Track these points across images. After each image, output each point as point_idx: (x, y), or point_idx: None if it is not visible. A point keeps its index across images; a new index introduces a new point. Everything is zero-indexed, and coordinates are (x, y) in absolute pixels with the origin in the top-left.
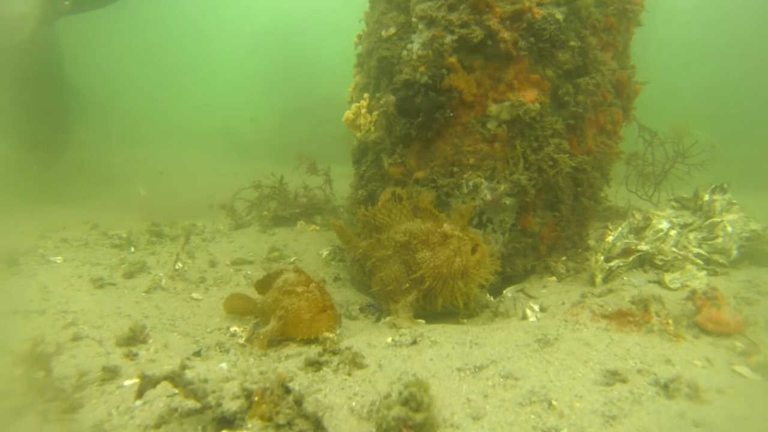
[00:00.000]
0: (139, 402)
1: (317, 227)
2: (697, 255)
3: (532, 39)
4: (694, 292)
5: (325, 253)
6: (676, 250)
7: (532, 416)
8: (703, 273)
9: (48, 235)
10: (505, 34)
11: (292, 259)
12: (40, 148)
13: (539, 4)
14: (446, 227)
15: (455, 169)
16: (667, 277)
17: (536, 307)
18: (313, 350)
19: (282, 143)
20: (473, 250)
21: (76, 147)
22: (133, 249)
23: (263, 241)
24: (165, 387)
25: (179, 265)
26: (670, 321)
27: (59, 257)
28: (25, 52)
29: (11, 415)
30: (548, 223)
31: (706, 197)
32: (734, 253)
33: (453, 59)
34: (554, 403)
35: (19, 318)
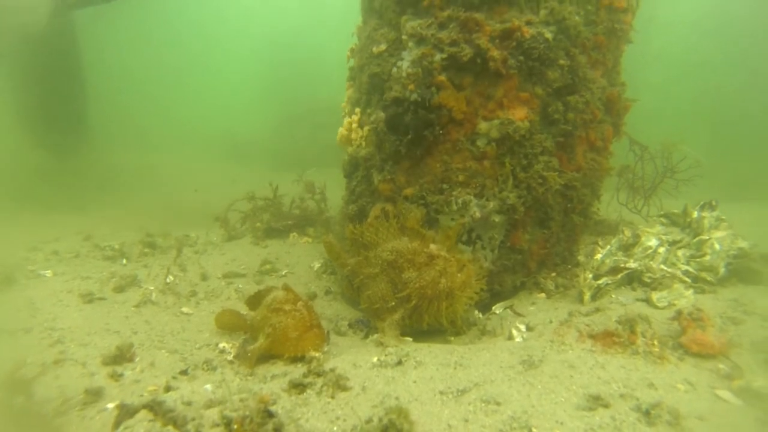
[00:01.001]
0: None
1: (310, 239)
2: (686, 272)
3: (521, 57)
4: (680, 312)
5: (317, 265)
6: (665, 268)
7: None
8: (691, 291)
9: (39, 246)
10: (495, 53)
11: (284, 272)
12: (55, 140)
13: (529, 23)
14: (432, 247)
15: (445, 186)
16: (655, 296)
17: (522, 327)
18: (298, 370)
19: (280, 148)
20: (459, 270)
21: (85, 146)
22: (125, 261)
23: (255, 253)
24: (145, 414)
25: (170, 278)
26: (656, 342)
27: (49, 271)
28: (41, 40)
29: None
30: (538, 239)
31: (695, 214)
32: (722, 270)
33: (442, 77)
34: (534, 430)
35: (4, 337)
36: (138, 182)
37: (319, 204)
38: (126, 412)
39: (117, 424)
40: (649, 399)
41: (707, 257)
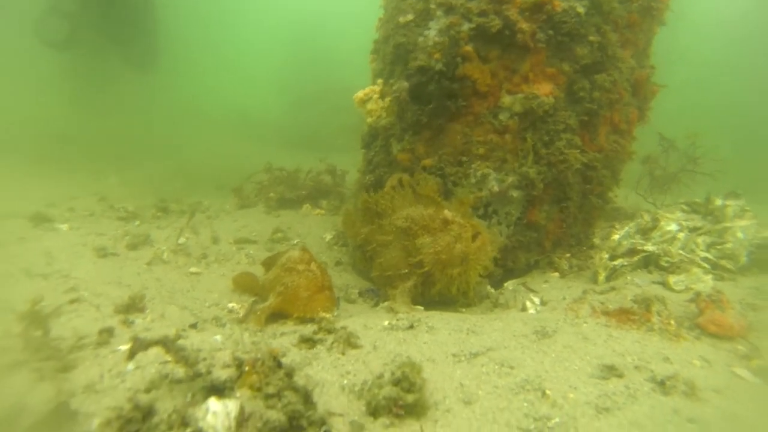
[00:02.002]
0: (131, 366)
1: (322, 211)
2: (705, 259)
3: (551, 32)
4: (698, 294)
5: (328, 237)
6: (684, 253)
7: (525, 404)
8: (710, 277)
9: (57, 203)
10: (524, 25)
11: (295, 241)
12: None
13: None
14: (447, 213)
15: (464, 158)
16: (672, 279)
17: (537, 300)
18: (308, 328)
19: (294, 128)
20: (474, 237)
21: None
22: (138, 222)
23: (268, 222)
24: (158, 354)
25: (182, 239)
26: (672, 321)
27: (65, 225)
28: None
29: (6, 371)
30: (554, 218)
31: (719, 202)
32: (743, 259)
33: (469, 48)
34: (548, 392)
35: (22, 279)
36: (155, 149)
37: (334, 178)
38: (140, 345)
39: (131, 355)
40: (664, 372)
41: (729, 245)
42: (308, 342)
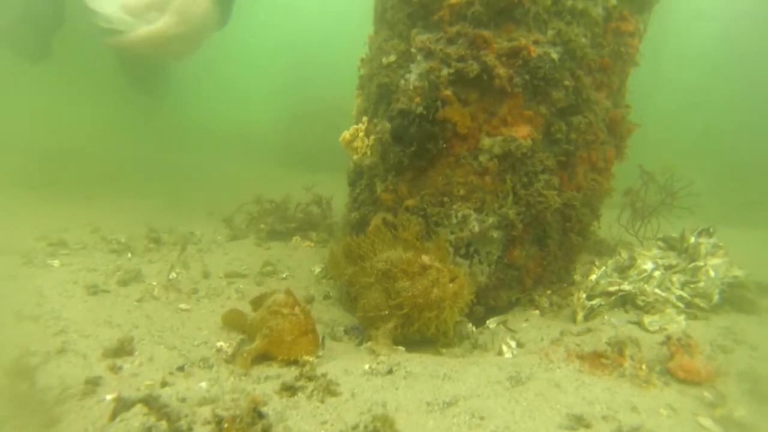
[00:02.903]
0: (115, 421)
1: (312, 244)
2: (679, 297)
3: (527, 76)
4: (669, 337)
5: (317, 270)
6: (659, 292)
7: None
8: (683, 317)
9: (48, 235)
10: (501, 70)
11: (284, 275)
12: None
13: (536, 43)
14: (425, 258)
15: (445, 199)
16: (647, 319)
17: (513, 344)
18: (291, 373)
19: (289, 145)
20: (452, 281)
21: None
22: (130, 255)
23: (258, 254)
24: (142, 408)
25: (173, 275)
26: (643, 366)
27: (56, 261)
28: None
29: None
30: (535, 256)
31: (692, 239)
32: (716, 297)
33: (449, 92)
34: None
35: (12, 323)
36: (147, 174)
37: (323, 209)
38: (123, 405)
39: (114, 415)
40: (630, 422)
41: (702, 283)
42: (290, 390)
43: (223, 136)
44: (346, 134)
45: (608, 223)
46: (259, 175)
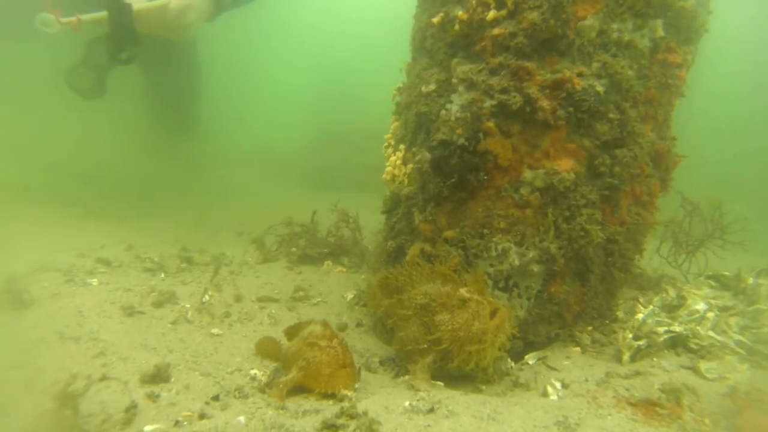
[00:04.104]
0: None
1: (344, 269)
2: (738, 343)
3: (570, 109)
4: (734, 389)
5: (349, 296)
6: (714, 335)
7: None
8: (746, 366)
9: (87, 253)
10: (544, 103)
11: (316, 301)
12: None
13: (580, 75)
14: (462, 292)
15: (485, 231)
16: (703, 366)
17: (558, 384)
18: (330, 409)
19: (313, 166)
20: (492, 314)
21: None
22: (163, 275)
23: (289, 278)
24: None
25: (206, 297)
26: (706, 420)
27: (95, 279)
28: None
29: None
30: (576, 291)
31: (751, 280)
32: None
33: (491, 123)
34: None
35: (55, 343)
36: (177, 192)
37: (354, 233)
38: None
39: None
40: None
41: (765, 329)
42: (331, 428)
43: (251, 154)
44: (390, 168)
45: (648, 255)
46: (285, 194)
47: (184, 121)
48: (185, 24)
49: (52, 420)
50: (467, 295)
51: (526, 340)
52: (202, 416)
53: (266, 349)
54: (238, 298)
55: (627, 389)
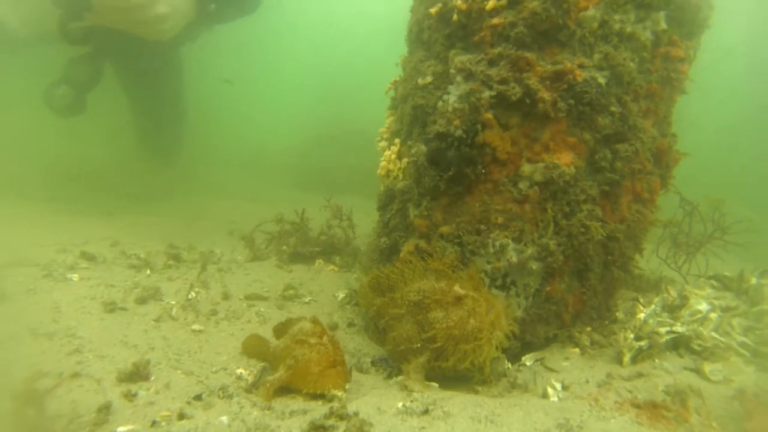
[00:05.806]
0: None
1: (335, 268)
2: (742, 344)
3: (571, 101)
4: (742, 391)
5: (341, 295)
6: (718, 336)
7: None
8: (752, 368)
9: (68, 248)
10: (545, 94)
11: (307, 299)
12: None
13: (581, 67)
14: (457, 288)
15: (482, 227)
16: (707, 367)
17: (558, 386)
18: (319, 410)
19: (307, 167)
20: (488, 311)
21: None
22: (149, 272)
23: (279, 276)
24: None
25: (192, 294)
26: (714, 424)
27: (75, 275)
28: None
29: None
30: (574, 291)
31: (754, 281)
32: None
33: (489, 115)
34: None
35: (27, 339)
36: (167, 191)
37: (346, 232)
38: None
39: None
40: None
41: None
42: (319, 429)
43: (244, 154)
44: (384, 163)
45: (646, 256)
46: (278, 195)
47: (164, 142)
48: (154, 17)
49: (12, 421)
50: (462, 292)
51: (523, 341)
52: (181, 416)
53: (253, 348)
54: (226, 296)
55: (629, 391)
